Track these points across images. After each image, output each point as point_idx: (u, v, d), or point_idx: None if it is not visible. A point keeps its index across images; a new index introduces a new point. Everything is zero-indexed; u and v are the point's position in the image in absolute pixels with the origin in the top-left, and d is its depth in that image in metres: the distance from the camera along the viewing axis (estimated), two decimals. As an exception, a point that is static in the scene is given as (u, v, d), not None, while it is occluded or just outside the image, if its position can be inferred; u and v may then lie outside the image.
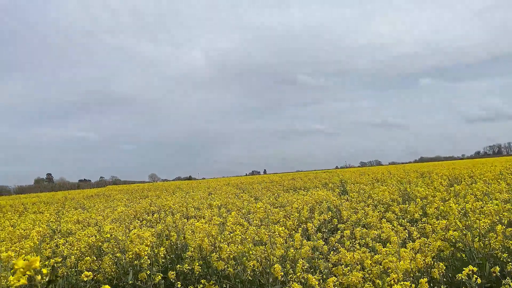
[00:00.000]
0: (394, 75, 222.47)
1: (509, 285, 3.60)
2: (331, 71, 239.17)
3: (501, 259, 4.26)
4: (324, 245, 5.19)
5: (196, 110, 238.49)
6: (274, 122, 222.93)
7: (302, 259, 4.64)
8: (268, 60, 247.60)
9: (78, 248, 5.56)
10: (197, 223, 5.49)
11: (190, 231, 5.61)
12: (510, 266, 3.98)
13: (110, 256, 5.07)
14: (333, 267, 4.55)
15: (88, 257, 5.17)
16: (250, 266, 4.42)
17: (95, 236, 5.72)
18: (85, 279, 4.40)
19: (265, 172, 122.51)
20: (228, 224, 4.99)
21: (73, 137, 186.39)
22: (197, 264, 4.68)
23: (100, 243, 5.48)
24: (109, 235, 5.23)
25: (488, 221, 4.89)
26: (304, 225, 7.37)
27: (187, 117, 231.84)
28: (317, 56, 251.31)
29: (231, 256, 4.63)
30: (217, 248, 4.55)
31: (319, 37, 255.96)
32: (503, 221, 5.05)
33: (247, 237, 4.50)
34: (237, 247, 4.68)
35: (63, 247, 5.54)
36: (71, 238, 6.07)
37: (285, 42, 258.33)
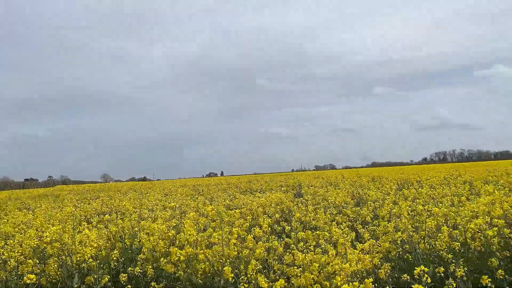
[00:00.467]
0: (351, 82, 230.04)
1: (452, 285, 3.80)
2: (292, 76, 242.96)
3: (446, 259, 4.48)
4: (278, 246, 5.22)
5: (154, 110, 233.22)
6: (233, 125, 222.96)
7: (256, 260, 4.63)
8: (231, 63, 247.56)
9: (20, 251, 5.23)
10: (154, 224, 5.34)
11: (144, 233, 5.45)
12: (453, 266, 4.19)
13: (55, 259, 4.80)
14: (287, 268, 4.58)
15: (31, 260, 4.87)
16: (201, 268, 4.35)
17: (39, 238, 5.40)
18: (28, 281, 4.14)
19: (222, 174, 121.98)
20: (185, 226, 4.90)
21: (20, 134, 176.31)
22: (150, 266, 4.54)
23: (45, 245, 5.19)
24: (49, 239, 4.95)
25: (434, 223, 5.14)
26: (258, 227, 7.38)
27: (143, 117, 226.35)
28: (279, 61, 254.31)
29: (182, 258, 4.54)
30: (170, 251, 4.45)
31: (281, 42, 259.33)
32: (448, 223, 5.34)
33: (199, 239, 4.44)
34: (191, 249, 4.60)
35: (2, 250, 5.18)
36: (11, 241, 5.69)
37: (249, 46, 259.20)
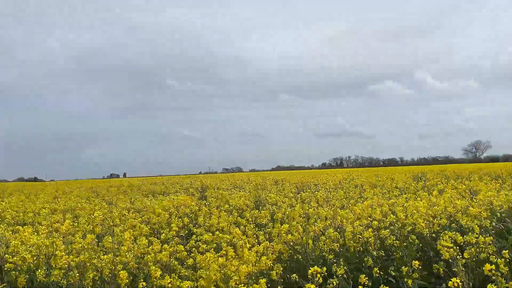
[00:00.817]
0: (258, 88, 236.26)
1: (333, 284, 4.09)
2: (202, 78, 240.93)
3: (328, 260, 4.81)
4: (182, 251, 5.12)
5: (48, 104, 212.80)
6: (137, 125, 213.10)
7: (156, 264, 4.50)
8: (138, 60, 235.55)
9: None
10: (30, 228, 4.84)
11: (18, 241, 4.90)
12: (335, 266, 4.52)
13: None
14: (185, 270, 4.52)
15: None
16: (90, 276, 4.06)
17: None
18: None
19: (125, 175, 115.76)
20: (62, 231, 4.52)
21: None
22: (23, 277, 4.09)
23: None
24: None
25: (322, 225, 5.48)
26: (162, 231, 7.17)
27: (35, 110, 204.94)
28: (190, 62, 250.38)
29: (73, 264, 4.19)
30: (49, 259, 4.07)
31: (193, 43, 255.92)
32: (333, 225, 5.75)
33: (86, 246, 4.13)
34: (78, 256, 4.27)
35: None
36: None
37: (157, 43, 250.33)
